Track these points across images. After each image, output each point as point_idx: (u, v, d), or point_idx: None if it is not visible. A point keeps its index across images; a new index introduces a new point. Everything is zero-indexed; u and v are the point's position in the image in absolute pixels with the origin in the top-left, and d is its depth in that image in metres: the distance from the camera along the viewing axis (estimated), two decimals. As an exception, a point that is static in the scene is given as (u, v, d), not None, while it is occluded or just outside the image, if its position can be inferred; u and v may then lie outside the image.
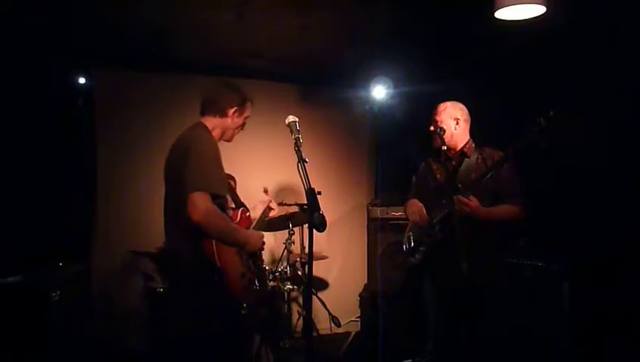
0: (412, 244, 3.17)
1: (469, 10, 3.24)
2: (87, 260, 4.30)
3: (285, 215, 4.11)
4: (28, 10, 3.36)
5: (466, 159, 3.04)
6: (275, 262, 4.44)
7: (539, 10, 2.83)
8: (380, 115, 5.24)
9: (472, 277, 2.65)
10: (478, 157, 3.03)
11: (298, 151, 2.38)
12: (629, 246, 3.23)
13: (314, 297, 4.34)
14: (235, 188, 4.22)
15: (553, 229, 3.63)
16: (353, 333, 4.93)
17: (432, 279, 3.11)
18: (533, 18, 2.92)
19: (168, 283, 2.63)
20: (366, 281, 5.14)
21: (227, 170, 4.01)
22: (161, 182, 2.58)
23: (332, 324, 4.34)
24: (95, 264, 4.39)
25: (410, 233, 3.20)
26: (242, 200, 3.32)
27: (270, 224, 4.20)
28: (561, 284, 3.30)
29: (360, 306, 4.97)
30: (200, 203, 2.27)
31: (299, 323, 4.62)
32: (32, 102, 4.02)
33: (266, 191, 3.38)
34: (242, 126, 2.72)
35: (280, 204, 4.33)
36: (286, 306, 4.34)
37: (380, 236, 4.67)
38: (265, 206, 3.12)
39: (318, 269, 4.94)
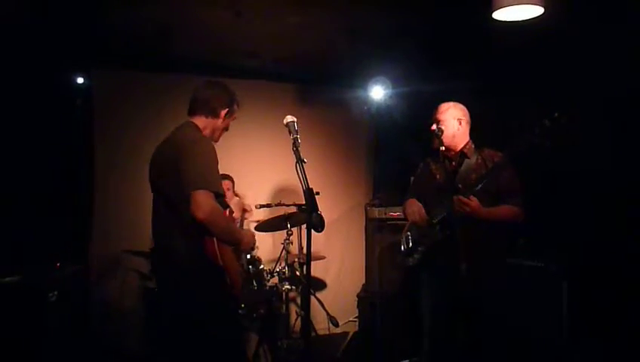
0: (410, 244, 3.17)
1: (468, 11, 3.24)
2: (85, 260, 4.30)
3: (283, 215, 4.11)
4: (27, 10, 3.35)
5: (466, 160, 3.04)
6: (273, 262, 4.43)
7: (537, 10, 2.84)
8: (379, 116, 5.25)
9: (471, 278, 2.66)
10: (477, 158, 3.03)
11: (296, 151, 2.38)
12: (627, 248, 3.23)
13: (312, 297, 4.34)
14: (233, 189, 4.23)
15: (552, 230, 3.63)
16: (351, 333, 4.93)
17: (430, 279, 3.10)
18: (531, 19, 2.93)
19: (163, 283, 2.60)
20: (364, 281, 5.14)
21: (225, 169, 4.05)
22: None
23: (330, 324, 4.35)
24: (92, 264, 4.38)
25: (408, 233, 3.20)
26: (240, 199, 3.33)
27: (269, 224, 4.22)
28: (560, 285, 3.30)
29: (358, 306, 4.97)
30: (205, 201, 2.28)
31: (297, 323, 4.62)
32: (30, 102, 4.01)
33: (236, 194, 3.39)
34: (227, 127, 2.72)
35: (278, 205, 4.34)
36: (284, 306, 4.34)
37: (378, 236, 4.66)
38: (241, 208, 3.13)
39: (316, 269, 4.94)
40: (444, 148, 2.99)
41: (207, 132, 2.60)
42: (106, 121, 4.50)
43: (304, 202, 2.32)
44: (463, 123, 3.05)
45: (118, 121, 4.52)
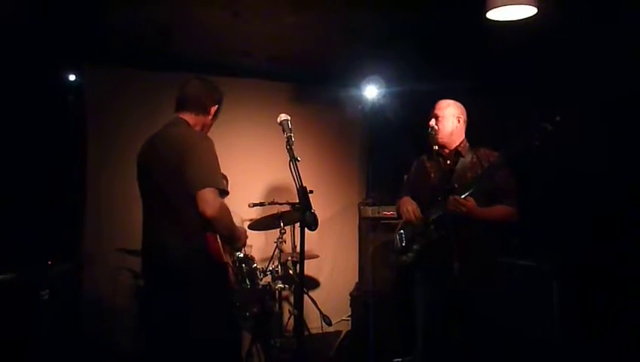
0: (404, 243, 3.17)
1: (462, 10, 3.25)
2: (77, 259, 4.28)
3: (277, 214, 4.10)
4: (20, 7, 3.33)
5: (461, 159, 3.04)
6: (266, 260, 4.43)
7: (530, 10, 2.85)
8: (372, 115, 5.25)
9: (463, 278, 2.67)
10: (473, 157, 3.04)
11: (290, 150, 2.38)
12: (619, 247, 3.25)
13: (305, 296, 4.34)
14: (227, 187, 4.21)
15: (544, 230, 3.65)
16: (344, 332, 4.93)
17: (423, 278, 3.11)
18: (525, 19, 2.94)
19: (158, 283, 2.58)
20: (357, 280, 5.15)
21: (218, 168, 4.04)
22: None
23: (323, 323, 4.35)
24: (85, 262, 4.36)
25: (402, 231, 3.20)
26: (234, 197, 3.32)
27: (262, 222, 4.21)
28: (551, 284, 3.32)
29: (351, 305, 4.98)
30: (213, 199, 2.29)
31: (290, 322, 4.62)
32: (22, 99, 3.99)
33: None
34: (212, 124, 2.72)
35: (271, 203, 4.34)
36: (277, 305, 4.34)
37: (372, 235, 4.67)
38: None
39: (310, 268, 4.93)
40: (437, 147, 2.99)
41: (197, 129, 2.59)
42: (99, 119, 4.48)
43: (297, 201, 2.32)
44: (461, 121, 3.07)
45: (110, 119, 4.50)
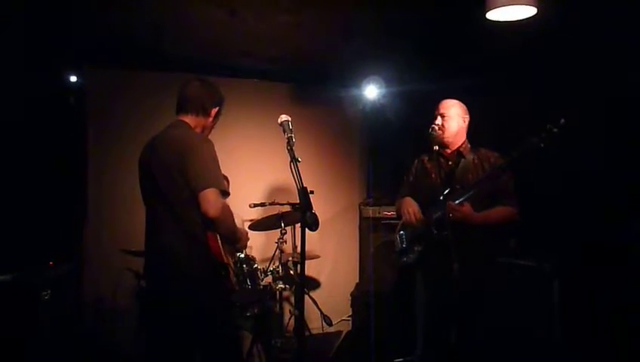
0: (404, 244, 3.17)
1: (461, 11, 3.25)
2: (78, 259, 4.28)
3: (278, 214, 4.11)
4: (19, 8, 3.34)
5: (463, 159, 3.05)
6: (267, 261, 4.43)
7: (530, 11, 2.85)
8: (373, 115, 5.26)
9: (464, 278, 2.67)
10: (474, 158, 3.04)
11: (290, 151, 2.39)
12: (619, 247, 3.26)
13: (306, 296, 4.35)
14: (228, 188, 4.22)
15: (544, 230, 3.65)
16: (345, 332, 4.92)
17: (424, 279, 3.11)
18: (524, 19, 2.94)
19: (161, 284, 2.59)
20: (358, 281, 5.15)
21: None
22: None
23: (324, 323, 4.35)
24: (86, 263, 4.37)
25: (402, 232, 3.20)
26: (235, 198, 3.32)
27: (263, 223, 4.22)
28: (552, 284, 3.32)
29: (352, 305, 4.98)
30: (215, 199, 2.30)
31: (291, 322, 4.63)
32: (24, 100, 3.99)
33: None
34: (214, 126, 2.72)
35: (272, 204, 4.34)
36: (278, 305, 4.34)
37: (372, 235, 4.68)
38: None
39: (310, 268, 4.94)
40: (437, 147, 2.99)
41: (197, 131, 2.59)
42: (100, 120, 4.49)
43: (298, 201, 2.32)
44: (466, 121, 3.07)
45: (111, 120, 4.51)
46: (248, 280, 3.93)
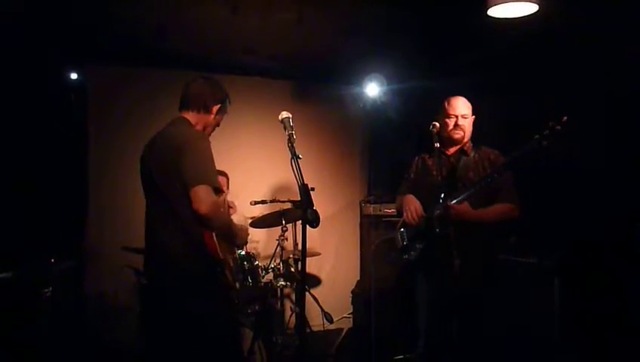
0: (405, 241, 3.16)
1: (462, 8, 3.25)
2: (80, 256, 4.28)
3: (279, 211, 4.11)
4: (21, 5, 3.33)
5: (464, 157, 3.04)
6: (268, 258, 4.44)
7: (531, 8, 2.85)
8: (374, 112, 5.25)
9: (464, 275, 2.67)
10: (475, 156, 3.04)
11: (291, 147, 2.39)
12: (620, 245, 3.25)
13: (307, 293, 4.35)
14: (227, 185, 4.22)
15: (545, 227, 3.65)
16: (345, 330, 4.94)
17: (426, 276, 3.11)
18: (526, 16, 2.94)
19: (160, 281, 2.60)
20: (359, 278, 5.16)
21: (220, 166, 4.02)
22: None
23: (325, 321, 4.35)
24: (87, 260, 4.37)
25: (403, 229, 3.20)
26: (235, 195, 3.32)
27: (264, 220, 4.22)
28: (552, 281, 3.32)
29: (352, 303, 4.99)
30: (206, 196, 2.29)
31: (292, 319, 4.63)
32: (24, 98, 4.00)
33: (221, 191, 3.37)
34: (219, 123, 2.72)
35: (273, 201, 4.34)
36: (279, 302, 4.34)
37: (373, 233, 4.68)
38: (225, 204, 3.12)
39: (311, 266, 4.94)
40: (438, 144, 2.98)
41: (198, 127, 2.60)
42: (101, 117, 4.49)
43: (299, 198, 2.32)
44: (473, 119, 3.07)
45: (112, 117, 4.51)
46: (249, 278, 3.93)
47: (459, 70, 4.04)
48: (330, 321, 4.39)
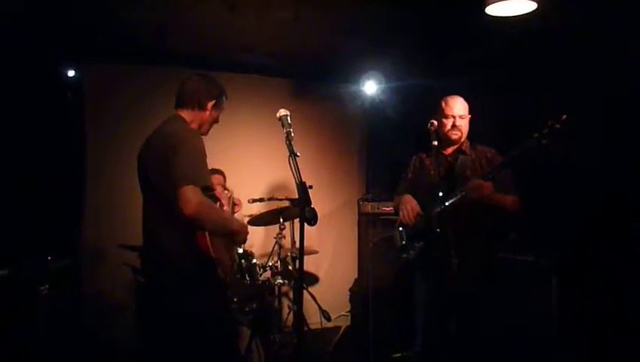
0: (404, 240, 3.16)
1: (461, 6, 3.24)
2: (77, 254, 4.27)
3: (276, 209, 4.10)
4: (18, 2, 3.32)
5: (461, 156, 3.04)
6: (265, 256, 4.43)
7: (530, 6, 2.84)
8: (372, 111, 5.25)
9: (462, 274, 2.67)
10: (472, 154, 3.04)
11: (289, 145, 2.38)
12: (618, 244, 3.26)
13: (304, 291, 4.35)
14: (224, 183, 4.21)
15: (543, 225, 3.65)
16: (343, 328, 4.94)
17: (424, 275, 3.10)
18: (524, 14, 2.94)
19: (155, 279, 2.59)
20: (356, 276, 5.16)
21: (218, 163, 4.04)
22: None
23: (322, 319, 4.35)
24: (84, 257, 4.36)
25: (401, 228, 3.20)
26: (234, 194, 3.31)
27: (261, 218, 4.21)
28: (550, 280, 3.32)
29: (350, 301, 4.98)
30: (191, 197, 2.26)
31: (289, 317, 4.63)
32: (21, 95, 3.98)
33: (225, 188, 3.37)
34: (217, 119, 2.70)
35: (271, 199, 4.34)
36: (277, 301, 4.34)
37: (371, 231, 4.68)
38: (229, 202, 3.11)
39: (309, 264, 4.94)
40: (436, 143, 2.97)
41: (194, 125, 2.59)
42: (98, 114, 4.48)
43: (297, 196, 2.32)
44: (469, 119, 3.07)
45: (109, 114, 4.50)
46: (247, 276, 3.92)
47: (457, 68, 4.04)
48: (328, 319, 4.38)
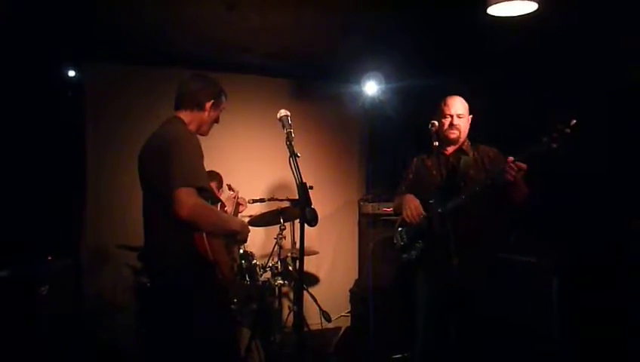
0: (405, 241, 3.16)
1: (462, 6, 3.24)
2: (77, 254, 4.27)
3: (277, 210, 4.10)
4: (19, 2, 3.32)
5: (464, 156, 3.03)
6: (266, 257, 4.43)
7: (531, 6, 2.84)
8: (372, 111, 5.24)
9: (463, 274, 2.67)
10: (474, 154, 3.03)
11: (290, 146, 2.38)
12: (619, 245, 3.25)
13: (305, 292, 4.34)
14: (221, 186, 4.20)
15: (544, 226, 3.65)
16: (344, 328, 4.94)
17: (426, 275, 3.10)
18: (525, 15, 2.93)
19: (155, 280, 2.59)
20: (357, 276, 5.15)
21: (218, 164, 4.04)
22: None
23: (323, 319, 4.35)
24: (84, 258, 4.36)
25: (401, 228, 3.19)
26: (233, 193, 3.30)
27: (262, 218, 4.21)
28: (551, 280, 3.32)
29: (350, 301, 4.98)
30: (186, 199, 2.25)
31: (289, 318, 4.62)
32: (22, 96, 3.98)
33: (230, 188, 3.36)
34: (217, 119, 2.69)
35: (271, 199, 4.34)
36: (277, 301, 4.34)
37: (372, 231, 4.67)
38: (234, 202, 3.10)
39: (309, 264, 4.94)
40: (437, 143, 2.97)
41: (193, 126, 2.58)
42: (98, 115, 4.48)
43: (297, 197, 2.31)
44: (469, 119, 3.06)
45: (110, 115, 4.50)
46: (247, 276, 3.92)
47: (458, 69, 4.03)
48: (329, 320, 4.38)
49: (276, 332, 4.10)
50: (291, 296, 4.78)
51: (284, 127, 2.45)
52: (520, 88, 3.94)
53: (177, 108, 2.60)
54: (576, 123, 2.51)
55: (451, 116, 3.02)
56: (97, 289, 4.37)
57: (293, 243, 4.40)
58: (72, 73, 4.29)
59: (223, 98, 2.67)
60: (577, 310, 3.25)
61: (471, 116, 3.07)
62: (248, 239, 2.71)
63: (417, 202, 3.04)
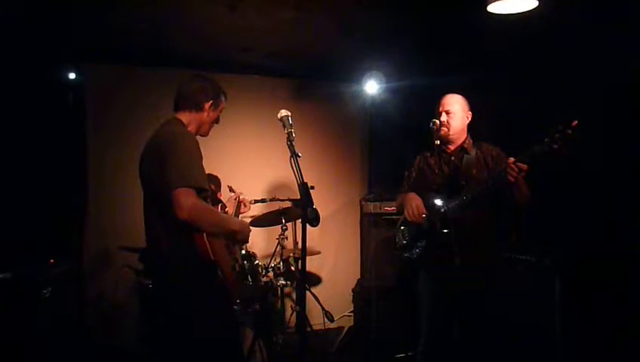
0: (406, 240, 3.15)
1: (462, 4, 3.23)
2: (79, 256, 4.27)
3: (278, 210, 4.10)
4: (19, 4, 3.32)
5: (466, 155, 3.03)
6: (268, 257, 4.43)
7: (531, 3, 2.83)
8: (373, 110, 5.24)
9: (465, 273, 2.66)
10: (477, 153, 3.02)
11: (291, 146, 2.37)
12: (620, 244, 3.25)
13: (307, 292, 4.34)
14: (219, 189, 4.19)
15: (546, 225, 3.64)
16: (346, 328, 4.94)
17: (428, 275, 3.09)
18: (525, 12, 2.93)
19: (156, 281, 2.59)
20: (359, 276, 5.15)
21: (219, 165, 4.04)
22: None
23: (325, 319, 4.34)
24: (86, 260, 4.36)
25: (403, 227, 3.18)
26: (241, 195, 3.28)
27: (264, 219, 4.21)
28: (553, 279, 3.31)
29: (353, 301, 4.98)
30: (185, 200, 2.24)
31: (292, 318, 4.62)
32: (22, 97, 3.98)
33: (231, 189, 3.36)
34: (217, 120, 2.69)
35: (273, 200, 4.33)
36: (279, 301, 4.33)
37: (374, 231, 4.66)
38: (234, 203, 3.09)
39: (312, 264, 4.93)
40: (439, 142, 2.96)
41: (192, 127, 2.57)
42: (99, 116, 4.48)
43: (299, 197, 2.31)
44: (469, 117, 3.05)
45: (111, 116, 4.50)
46: (249, 277, 3.92)
47: (458, 68, 4.02)
48: (331, 320, 4.38)
49: (279, 333, 4.09)
50: (294, 296, 4.77)
51: (284, 127, 2.44)
52: (519, 87, 3.93)
53: (176, 109, 2.59)
54: (577, 124, 2.50)
55: (440, 113, 3.02)
56: (99, 291, 4.37)
57: (295, 243, 4.39)
58: (72, 75, 4.30)
59: (222, 98, 2.66)
60: (579, 309, 3.25)
61: (469, 113, 3.05)
62: (250, 239, 2.70)
63: (419, 201, 3.03)
